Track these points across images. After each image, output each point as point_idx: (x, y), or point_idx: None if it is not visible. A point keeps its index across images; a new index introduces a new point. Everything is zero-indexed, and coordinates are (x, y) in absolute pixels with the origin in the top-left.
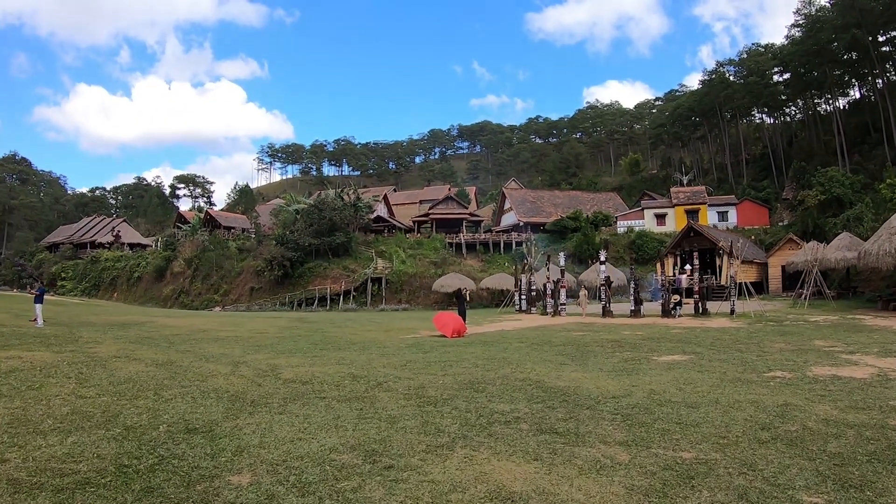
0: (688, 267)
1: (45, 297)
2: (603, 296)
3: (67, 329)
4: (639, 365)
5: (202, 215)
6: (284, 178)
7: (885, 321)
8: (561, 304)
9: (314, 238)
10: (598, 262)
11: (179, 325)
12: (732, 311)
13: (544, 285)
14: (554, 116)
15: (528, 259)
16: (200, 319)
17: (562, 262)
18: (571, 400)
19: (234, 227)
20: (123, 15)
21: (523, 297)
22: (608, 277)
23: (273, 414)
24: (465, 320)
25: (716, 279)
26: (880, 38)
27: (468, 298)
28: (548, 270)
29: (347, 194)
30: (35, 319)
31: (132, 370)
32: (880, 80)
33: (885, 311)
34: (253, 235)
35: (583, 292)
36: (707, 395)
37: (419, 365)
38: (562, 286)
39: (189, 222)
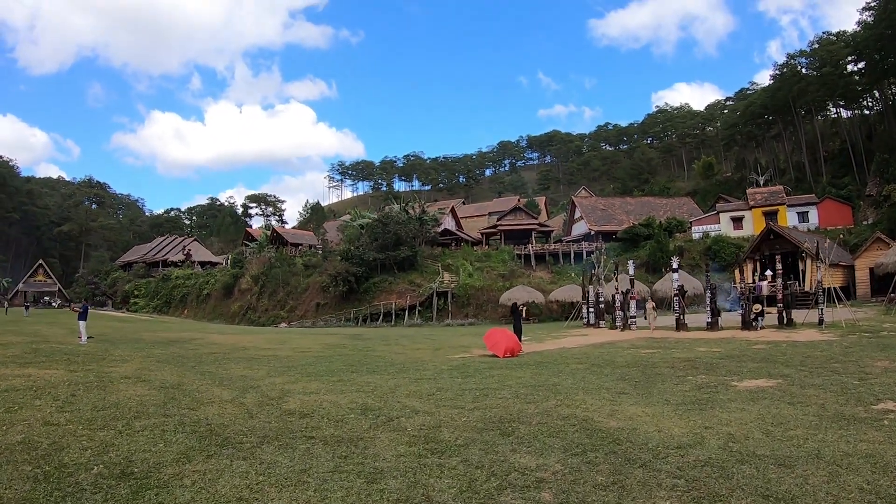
0: (768, 272)
1: (117, 313)
2: (677, 307)
3: (107, 346)
4: (715, 394)
5: (269, 233)
6: (355, 194)
7: None
8: (631, 317)
9: (379, 253)
10: (671, 271)
11: (225, 342)
12: (821, 321)
13: (613, 297)
14: (623, 123)
15: (596, 269)
16: (250, 337)
17: (631, 272)
18: (621, 451)
19: (300, 244)
20: (192, 44)
21: (591, 309)
22: (682, 286)
23: (234, 459)
24: (520, 337)
25: (799, 285)
26: None
27: (524, 314)
28: (616, 281)
29: (413, 208)
30: (80, 336)
31: (129, 394)
32: None
33: None
34: (319, 252)
35: (650, 304)
36: (804, 445)
37: (449, 394)
38: (632, 297)
39: (257, 240)
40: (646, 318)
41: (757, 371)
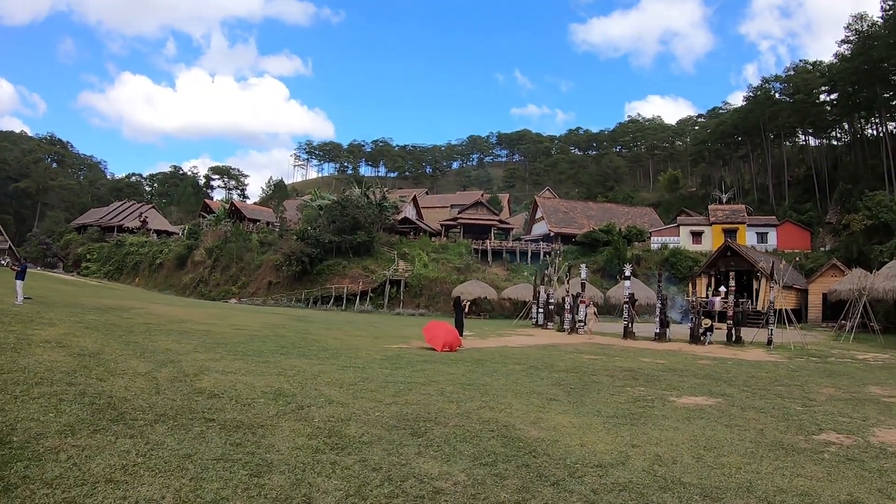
0: (722, 289)
1: (66, 276)
2: (626, 314)
3: (41, 309)
4: (650, 409)
5: (228, 206)
6: (320, 175)
7: None
8: (579, 321)
9: (335, 235)
10: (623, 278)
11: (165, 313)
12: (770, 342)
13: (563, 299)
14: (594, 129)
15: (549, 270)
16: (193, 310)
17: (583, 275)
18: (535, 465)
19: (258, 220)
20: (171, 8)
21: (540, 310)
22: (633, 294)
23: (121, 437)
24: (462, 332)
25: (752, 304)
26: None
27: (467, 309)
28: (568, 283)
29: (374, 193)
30: (16, 297)
31: (43, 359)
32: None
33: None
34: (277, 229)
35: (590, 309)
36: (736, 475)
37: (372, 386)
38: (582, 301)
39: (215, 212)
40: (584, 323)
41: (698, 387)
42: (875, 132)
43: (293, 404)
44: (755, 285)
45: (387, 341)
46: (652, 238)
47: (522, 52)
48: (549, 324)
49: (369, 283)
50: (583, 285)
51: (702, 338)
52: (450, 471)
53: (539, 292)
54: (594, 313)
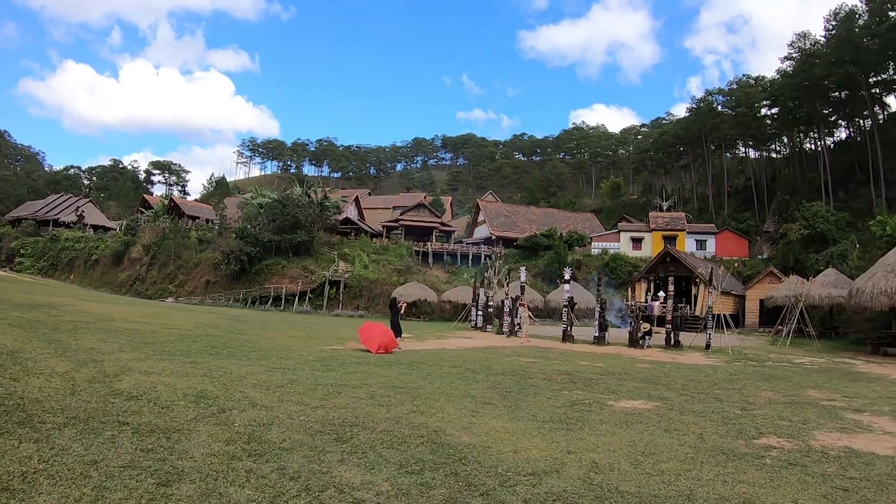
0: (661, 294)
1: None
2: (565, 318)
3: None
4: (587, 413)
5: (167, 202)
6: (263, 173)
7: (881, 368)
8: (518, 325)
9: (275, 234)
10: (562, 282)
11: (95, 311)
12: (708, 346)
13: (502, 302)
14: (539, 135)
15: (488, 272)
16: (126, 308)
17: (523, 278)
18: (465, 473)
19: (198, 217)
20: None
21: (479, 312)
22: (572, 298)
23: (25, 441)
24: (398, 334)
25: (690, 309)
26: (872, 80)
27: (403, 310)
28: (507, 286)
29: (315, 192)
30: None
31: None
32: (869, 121)
33: (875, 356)
34: (216, 227)
35: (524, 312)
36: (675, 482)
37: (300, 388)
38: (521, 304)
39: (153, 208)
40: (519, 326)
41: (636, 391)
42: (813, 146)
43: (214, 407)
44: (694, 291)
45: (322, 342)
46: (593, 243)
47: (471, 57)
48: (487, 326)
49: (308, 284)
50: (522, 288)
51: (640, 341)
52: (373, 480)
53: (478, 295)
54: (528, 316)
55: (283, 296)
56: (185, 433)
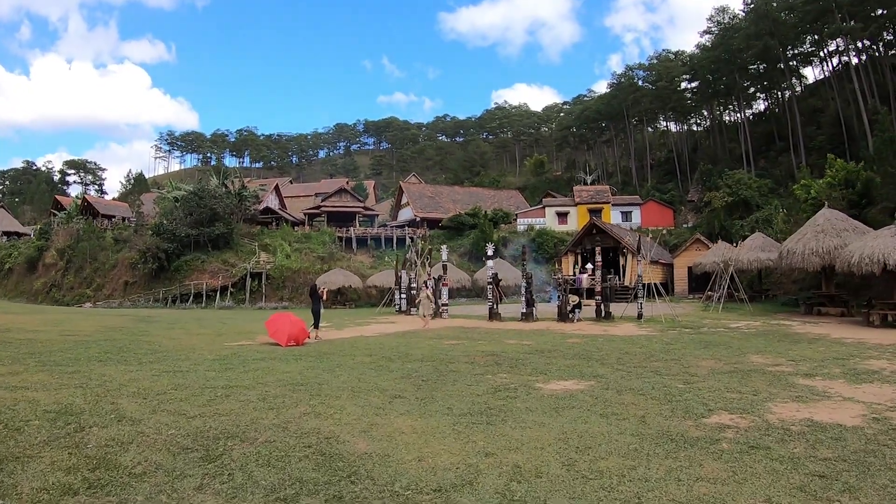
0: (589, 266)
1: None
2: (490, 296)
3: None
4: (512, 400)
5: (80, 202)
6: (183, 167)
7: (818, 328)
8: (443, 305)
9: (192, 228)
10: (486, 258)
11: None
12: (640, 316)
13: (425, 283)
14: (461, 116)
15: (410, 254)
16: (27, 317)
17: (444, 257)
18: (353, 495)
19: (114, 216)
20: None
21: (403, 296)
22: (496, 275)
23: None
24: (318, 323)
25: (619, 279)
26: (789, 52)
27: (324, 297)
28: (429, 267)
29: (232, 182)
30: None
31: None
32: (788, 92)
33: (810, 316)
34: (132, 225)
35: (424, 291)
36: (619, 487)
37: (184, 394)
38: (444, 284)
39: (66, 209)
40: (418, 309)
41: (568, 370)
42: (732, 118)
43: (73, 425)
44: (622, 261)
45: (230, 338)
46: (518, 220)
47: (391, 40)
48: (412, 310)
49: (229, 278)
50: (444, 268)
51: (570, 315)
52: None
53: (400, 277)
54: (427, 297)
55: (204, 292)
56: (24, 461)
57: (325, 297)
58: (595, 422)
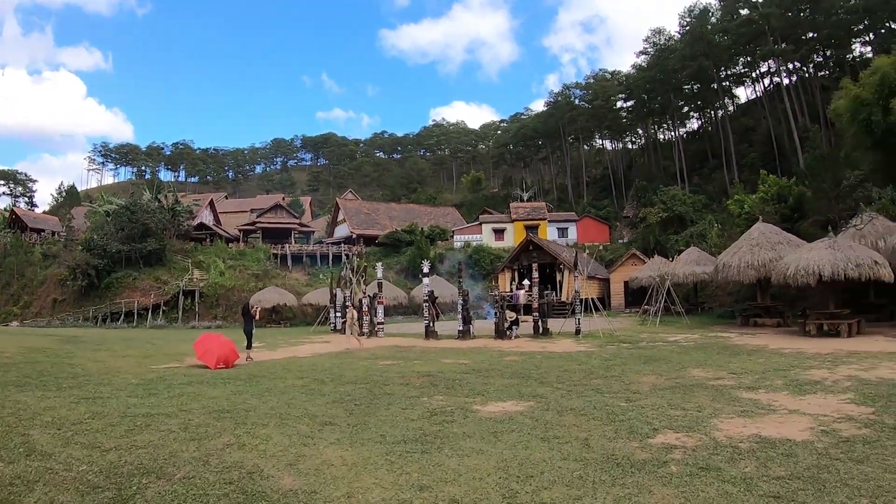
0: (526, 282)
1: None
2: (426, 314)
3: None
4: (449, 425)
5: (7, 215)
6: (117, 181)
7: (755, 339)
8: (378, 324)
9: (124, 244)
10: (422, 276)
11: None
12: (578, 331)
13: (360, 301)
14: (399, 133)
15: (345, 272)
16: None
17: (379, 274)
18: None
19: (43, 230)
20: None
21: (338, 314)
22: (432, 292)
23: None
24: (251, 343)
25: (556, 295)
26: (723, 73)
27: (257, 316)
28: (364, 284)
29: (165, 197)
30: None
31: None
32: (721, 111)
33: (746, 328)
34: (62, 240)
35: (350, 312)
36: None
37: (100, 424)
38: (379, 302)
39: None
40: (347, 329)
41: (506, 389)
42: (665, 136)
43: None
44: (558, 277)
45: (158, 360)
46: (455, 237)
47: (331, 56)
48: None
49: (161, 296)
50: (380, 285)
51: (508, 332)
52: None
53: (335, 295)
54: (353, 318)
55: (136, 310)
56: None
57: (257, 316)
58: (536, 446)
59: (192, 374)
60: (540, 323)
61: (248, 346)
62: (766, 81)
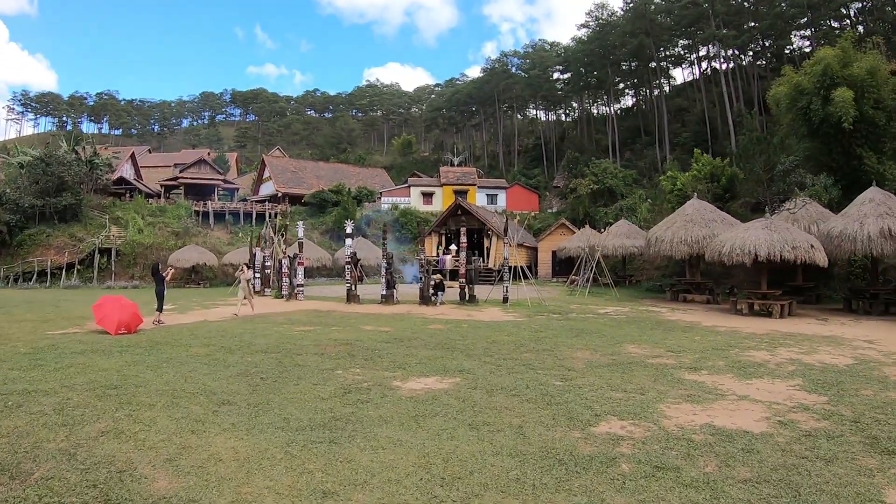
0: (453, 247)
1: None
2: (348, 276)
3: None
4: (364, 405)
5: None
6: (37, 132)
7: (687, 315)
8: (298, 286)
9: (38, 198)
10: (345, 236)
11: None
12: (506, 300)
13: (280, 261)
14: (332, 91)
15: (266, 230)
16: None
17: (300, 234)
18: None
19: None
20: None
21: (257, 275)
22: (355, 254)
23: None
24: (162, 305)
25: (484, 262)
26: (662, 53)
27: (168, 277)
28: (284, 244)
29: (83, 149)
30: None
31: None
32: (657, 91)
33: (676, 303)
34: None
35: (243, 275)
36: None
37: None
38: (300, 263)
39: None
40: (240, 291)
41: (430, 362)
42: (599, 111)
43: None
44: (486, 244)
45: (56, 325)
46: (383, 198)
47: (265, 8)
48: (266, 290)
49: (76, 254)
50: (301, 245)
51: (432, 298)
52: None
53: (254, 255)
54: (249, 283)
55: (49, 270)
56: None
57: (168, 276)
58: (464, 436)
59: (87, 342)
60: (466, 290)
61: (159, 309)
62: (704, 65)
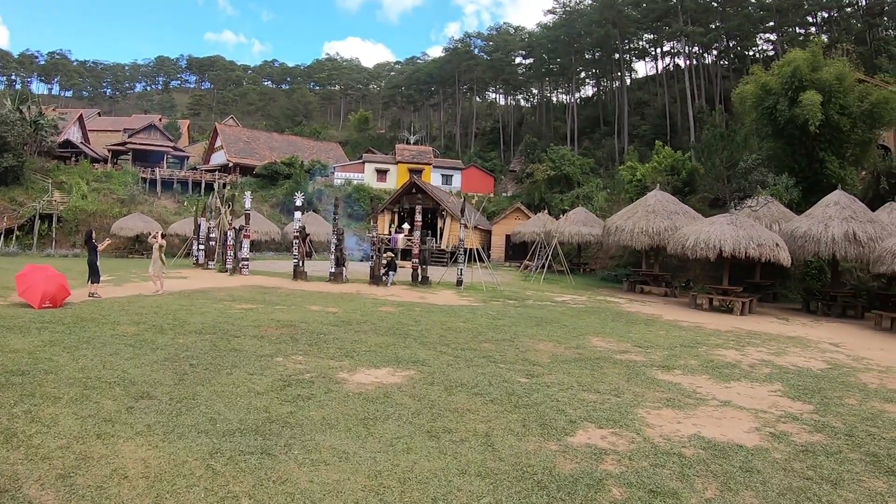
0: (406, 226)
1: None
2: (295, 251)
3: None
4: (304, 405)
5: None
6: None
7: (647, 307)
8: (243, 260)
9: None
10: (294, 209)
11: None
12: (460, 282)
13: (225, 233)
14: (290, 63)
15: (212, 200)
16: None
17: (247, 205)
18: None
19: None
20: None
21: (201, 247)
22: (304, 228)
23: None
24: (97, 277)
25: (437, 243)
26: (627, 45)
27: (102, 247)
28: (229, 215)
29: (28, 108)
30: None
31: None
32: (617, 83)
33: (633, 294)
34: None
35: (156, 245)
36: None
37: None
38: (246, 236)
39: None
40: (150, 267)
41: (381, 351)
42: (559, 99)
43: None
44: (440, 224)
45: None
46: (336, 173)
47: None
48: (210, 263)
49: (16, 219)
50: (247, 217)
51: (384, 278)
52: None
53: (199, 226)
54: (162, 260)
55: None
56: None
57: (102, 247)
58: (422, 447)
59: (4, 317)
60: (419, 270)
61: (94, 281)
62: (667, 60)
